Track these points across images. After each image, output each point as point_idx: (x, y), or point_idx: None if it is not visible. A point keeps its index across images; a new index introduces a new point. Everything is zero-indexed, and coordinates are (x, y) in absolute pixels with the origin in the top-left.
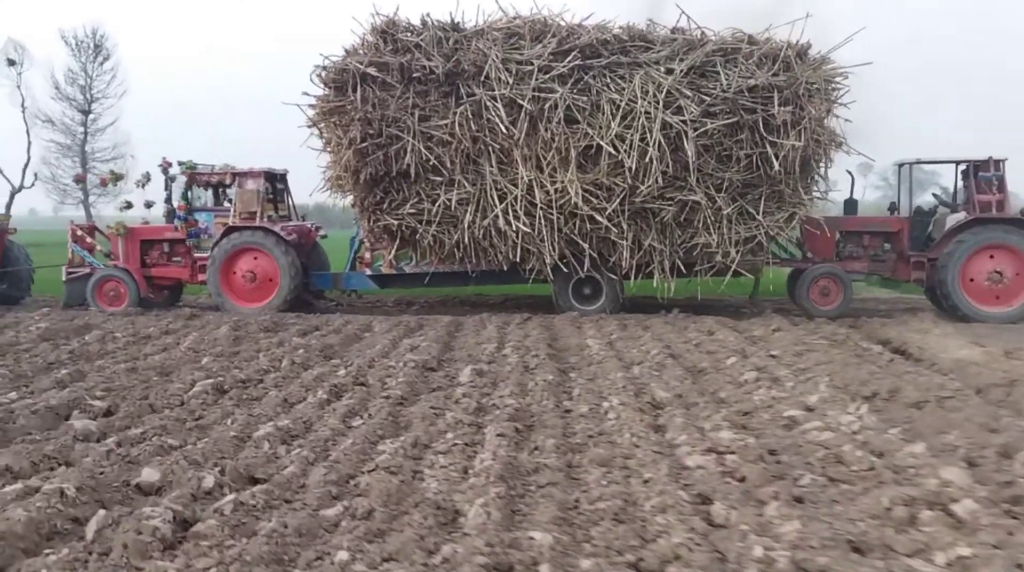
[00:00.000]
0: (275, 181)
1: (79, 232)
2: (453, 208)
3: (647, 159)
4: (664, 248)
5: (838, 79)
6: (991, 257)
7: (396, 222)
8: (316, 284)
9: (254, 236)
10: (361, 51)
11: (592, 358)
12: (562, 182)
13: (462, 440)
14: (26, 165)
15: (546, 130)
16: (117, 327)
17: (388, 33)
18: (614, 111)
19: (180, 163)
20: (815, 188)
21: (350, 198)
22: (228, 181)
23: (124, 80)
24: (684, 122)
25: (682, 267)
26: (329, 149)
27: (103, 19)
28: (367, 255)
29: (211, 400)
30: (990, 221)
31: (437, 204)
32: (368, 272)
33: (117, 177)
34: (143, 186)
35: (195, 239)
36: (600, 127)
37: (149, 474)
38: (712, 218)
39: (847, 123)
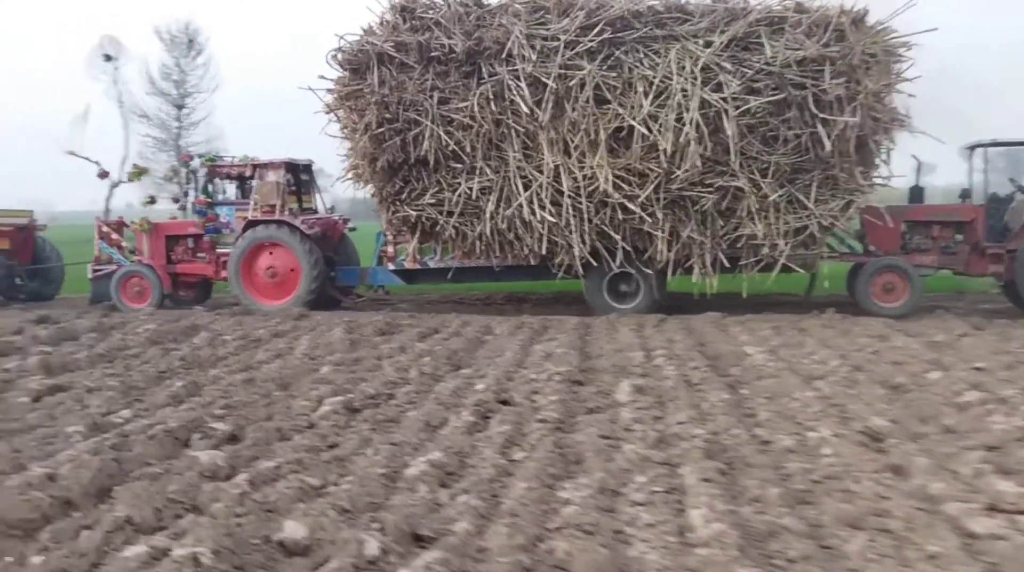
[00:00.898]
0: (298, 172)
1: (105, 228)
2: (475, 197)
3: (683, 141)
4: (705, 240)
5: (900, 50)
6: None
7: (415, 213)
8: (342, 279)
9: (273, 230)
10: (379, 30)
11: (761, 370)
12: (591, 167)
13: (658, 485)
14: (124, 160)
15: (573, 111)
16: (225, 329)
17: (408, 10)
18: (647, 89)
19: (200, 155)
20: (875, 173)
21: (369, 188)
22: (249, 173)
23: (216, 74)
24: (724, 100)
25: (724, 261)
26: (346, 136)
27: (195, 14)
28: (389, 249)
29: (342, 421)
30: None
31: (457, 193)
32: (391, 267)
33: (141, 172)
34: (171, 180)
35: (215, 234)
36: (632, 107)
37: (294, 529)
38: (757, 206)
39: (911, 99)
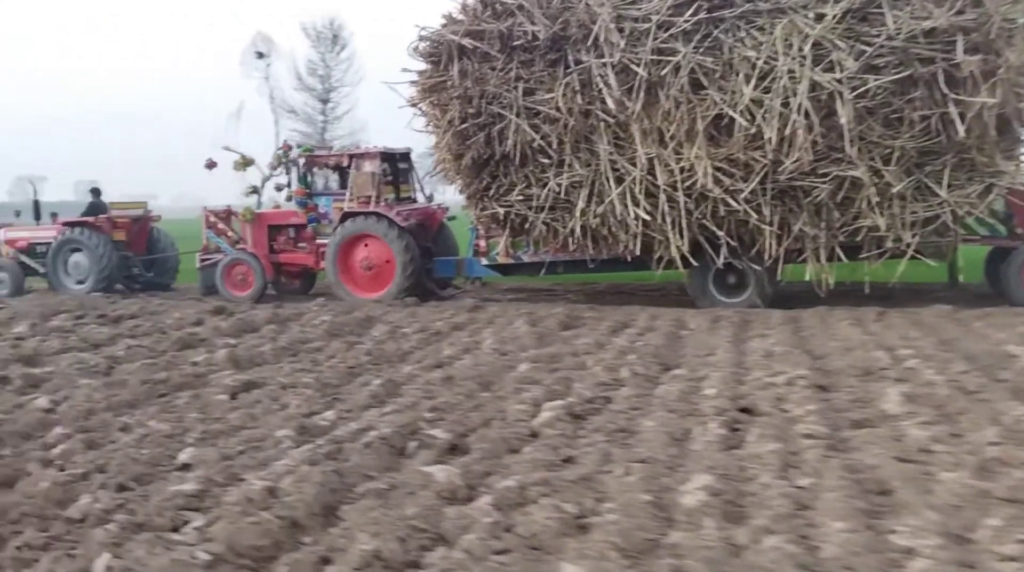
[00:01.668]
0: (395, 161)
1: (212, 218)
2: (564, 194)
3: (791, 128)
4: (819, 233)
5: None
6: None
7: (503, 210)
8: (438, 271)
9: (368, 222)
10: (460, 18)
11: None
12: (688, 159)
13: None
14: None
15: (667, 99)
16: (401, 321)
17: None
18: (750, 72)
19: (299, 146)
20: (1020, 152)
21: (457, 184)
22: (345, 163)
23: (360, 68)
24: (839, 81)
25: (841, 254)
26: (431, 131)
27: (339, 9)
28: (482, 243)
29: (569, 430)
30: None
31: (546, 190)
32: (484, 261)
33: (247, 163)
34: (275, 170)
35: (315, 224)
36: (732, 92)
37: None
38: (878, 197)
39: None
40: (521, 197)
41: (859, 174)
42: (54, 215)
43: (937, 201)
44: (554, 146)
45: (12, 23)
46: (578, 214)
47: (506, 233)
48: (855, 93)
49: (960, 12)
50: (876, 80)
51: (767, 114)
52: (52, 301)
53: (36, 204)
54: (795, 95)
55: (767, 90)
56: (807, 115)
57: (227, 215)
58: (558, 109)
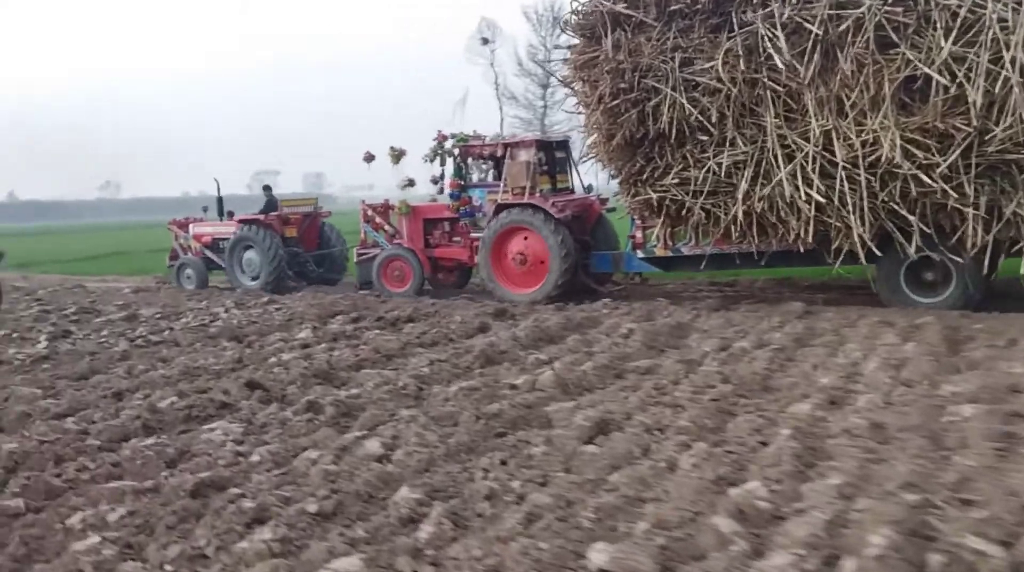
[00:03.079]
0: (552, 150)
1: (369, 212)
2: (724, 174)
3: (1002, 90)
4: None
5: None
6: None
7: (658, 195)
8: (595, 266)
9: (522, 214)
10: None
11: None
12: (873, 131)
13: None
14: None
15: (847, 61)
16: (717, 329)
17: None
18: (949, 23)
19: (453, 135)
20: None
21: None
22: (500, 153)
23: None
24: None
25: None
26: (582, 111)
27: None
28: (638, 234)
29: None
30: None
31: (705, 170)
32: (640, 254)
33: (399, 154)
34: (431, 161)
35: (469, 218)
36: (929, 49)
37: None
38: None
39: None
40: (677, 180)
41: None
42: (231, 213)
43: None
44: (714, 121)
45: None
46: (740, 197)
47: (661, 222)
48: None
49: None
50: None
51: (971, 73)
52: (325, 301)
53: (220, 201)
54: (1007, 49)
55: (972, 43)
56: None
57: (384, 209)
58: (719, 79)
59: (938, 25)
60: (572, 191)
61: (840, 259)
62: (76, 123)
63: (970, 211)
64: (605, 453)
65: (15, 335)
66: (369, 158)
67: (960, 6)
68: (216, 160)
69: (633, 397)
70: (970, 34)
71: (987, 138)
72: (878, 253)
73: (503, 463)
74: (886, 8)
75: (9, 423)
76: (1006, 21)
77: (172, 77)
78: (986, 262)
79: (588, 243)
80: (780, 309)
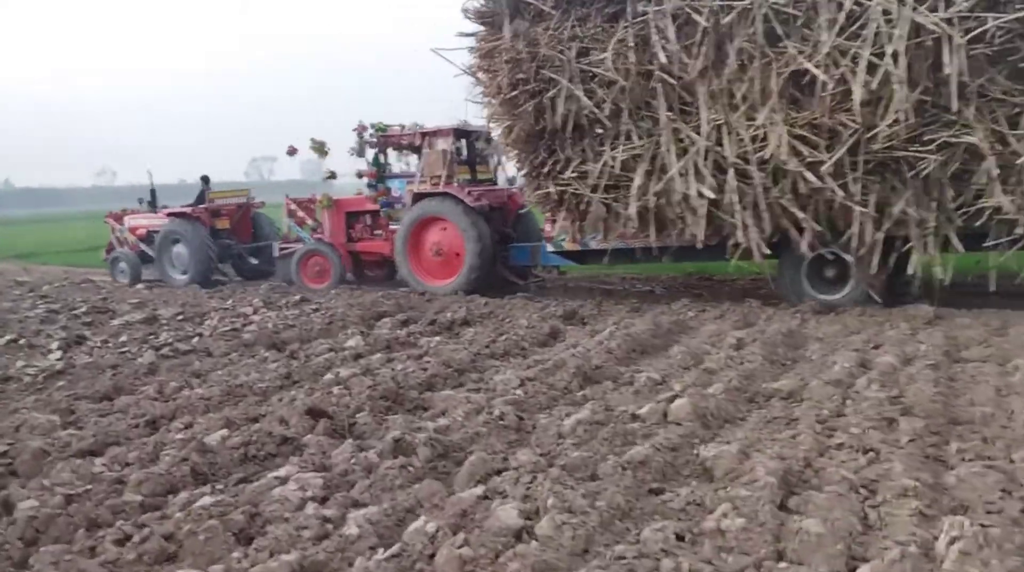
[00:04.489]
0: (472, 140)
1: (292, 206)
2: (621, 169)
3: (886, 85)
4: (928, 215)
5: None
6: None
7: (559, 189)
8: (514, 258)
9: (437, 204)
10: None
11: None
12: (762, 127)
13: None
14: None
15: (735, 53)
16: (835, 338)
17: None
18: (834, 15)
19: (372, 126)
20: None
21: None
22: (418, 142)
23: None
24: (948, 22)
25: (957, 243)
26: (484, 101)
27: None
28: (547, 228)
29: None
30: None
31: (600, 164)
32: (550, 248)
33: (321, 146)
34: (357, 154)
35: (387, 208)
36: (816, 42)
37: None
38: (1000, 169)
39: None
40: (576, 174)
41: (976, 141)
42: (164, 206)
43: None
44: (607, 114)
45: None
46: (635, 193)
47: (562, 216)
48: (968, 36)
49: None
50: (996, 20)
51: (854, 67)
52: (365, 300)
53: (153, 193)
54: (890, 41)
55: (856, 37)
56: (909, 66)
57: (308, 203)
58: (615, 70)
59: (824, 17)
60: (494, 182)
61: (737, 255)
62: (73, 112)
63: (858, 209)
64: (817, 526)
65: (22, 341)
66: (292, 151)
67: None
68: (214, 148)
69: (800, 435)
70: (856, 26)
71: (874, 136)
72: (767, 251)
73: (679, 538)
74: (772, 1)
75: (24, 464)
76: (890, 14)
77: (172, 76)
78: (875, 260)
79: (509, 235)
80: (904, 313)
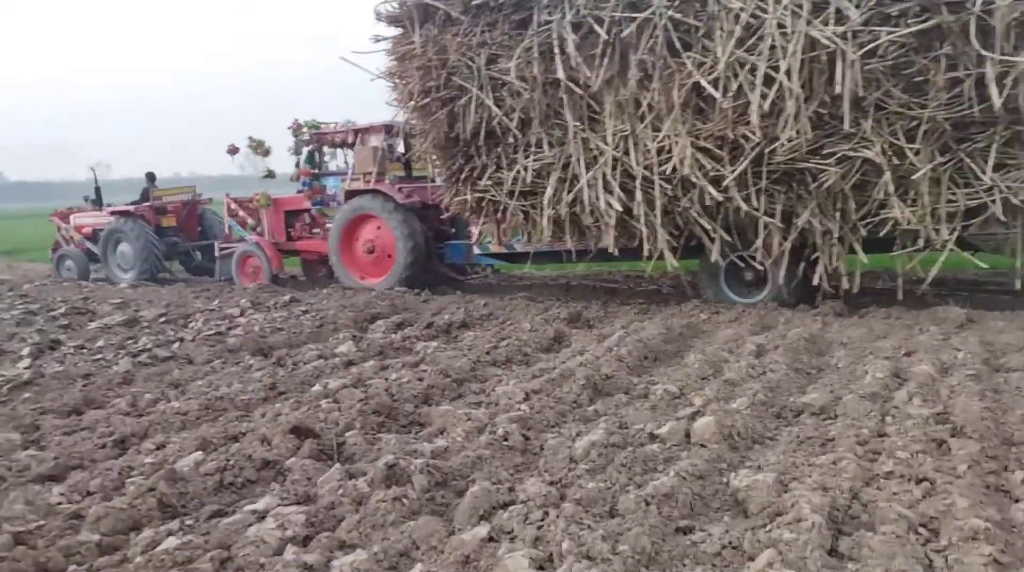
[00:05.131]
0: (408, 136)
1: (233, 205)
2: (535, 177)
3: (785, 97)
4: (831, 226)
5: None
6: None
7: (476, 196)
8: (450, 255)
9: (367, 201)
10: None
11: None
12: (666, 138)
13: None
14: None
15: (638, 65)
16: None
17: None
18: (732, 27)
19: (306, 123)
20: None
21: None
22: (351, 139)
23: None
24: (842, 36)
25: (861, 253)
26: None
27: None
28: (473, 230)
29: None
30: None
31: (512, 173)
32: (477, 250)
33: (259, 144)
34: (295, 153)
35: (320, 207)
36: (714, 54)
37: None
38: (900, 182)
39: None
40: (491, 181)
41: (872, 155)
42: (108, 203)
43: (983, 186)
44: (515, 123)
45: None
46: (547, 202)
47: (482, 222)
48: (862, 51)
49: None
50: (889, 35)
51: (751, 81)
52: (358, 301)
53: (97, 190)
54: (786, 55)
55: (755, 50)
56: (807, 81)
57: (249, 202)
58: (523, 79)
59: (724, 30)
60: (433, 179)
61: (654, 259)
62: (72, 109)
63: (763, 220)
64: None
65: None
66: (233, 150)
67: (743, 10)
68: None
69: (842, 460)
70: (753, 39)
71: (776, 148)
72: (675, 263)
73: None
74: (672, 7)
75: None
76: (785, 27)
77: (172, 75)
78: (783, 268)
79: (446, 232)
80: (933, 316)
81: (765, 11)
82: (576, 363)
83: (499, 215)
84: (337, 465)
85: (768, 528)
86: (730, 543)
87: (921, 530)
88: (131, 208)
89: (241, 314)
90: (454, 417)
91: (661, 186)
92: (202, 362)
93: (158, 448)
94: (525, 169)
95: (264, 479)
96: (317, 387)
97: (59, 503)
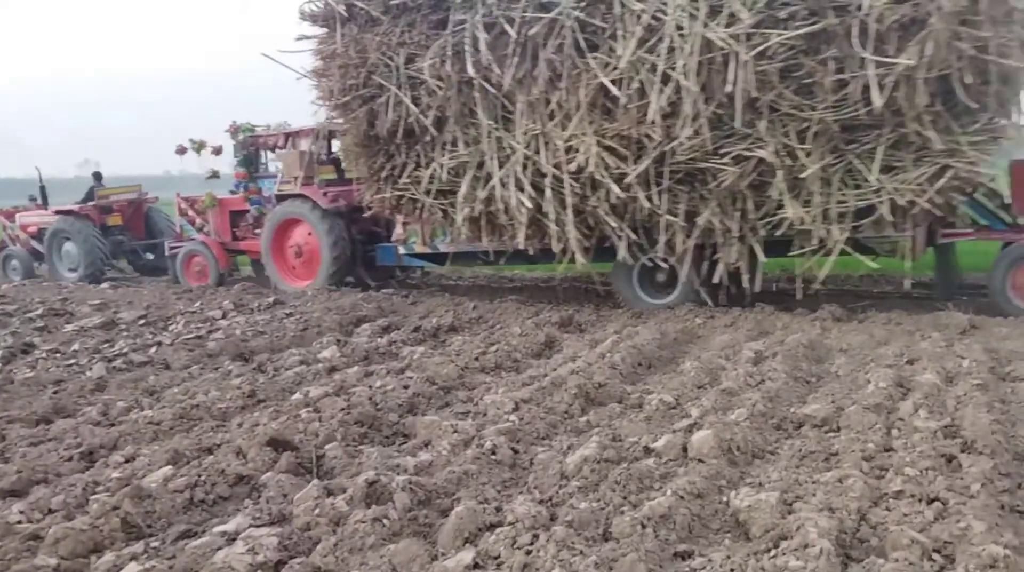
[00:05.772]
0: (330, 137)
1: (183, 205)
2: (452, 175)
3: (673, 98)
4: (731, 225)
5: None
6: None
7: (396, 194)
8: (381, 258)
9: (294, 205)
10: None
11: None
12: (573, 137)
13: None
14: None
15: (547, 65)
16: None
17: None
18: (635, 28)
19: (241, 127)
20: (993, 120)
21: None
22: (282, 143)
23: None
24: (736, 38)
25: (759, 252)
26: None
27: None
28: (398, 230)
29: None
30: None
31: (428, 172)
32: (402, 250)
33: (200, 145)
34: (234, 155)
35: (258, 206)
36: (618, 55)
37: None
38: (788, 182)
39: None
40: (410, 179)
41: (766, 155)
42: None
43: (872, 187)
44: (430, 122)
45: None
46: (461, 200)
47: (402, 221)
48: (754, 52)
49: None
50: (779, 37)
51: (651, 81)
52: (344, 303)
53: (42, 189)
54: (683, 55)
55: (652, 50)
56: (708, 80)
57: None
58: (439, 78)
59: (627, 31)
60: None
61: (565, 260)
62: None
63: (664, 219)
64: None
65: None
66: (181, 151)
67: (644, 11)
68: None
69: (848, 478)
70: (652, 41)
71: (677, 148)
72: (583, 260)
73: None
74: (579, 13)
75: None
76: (682, 29)
77: (170, 75)
78: (687, 267)
79: (378, 234)
80: (935, 321)
81: (665, 13)
82: (568, 370)
83: (418, 214)
84: (315, 481)
85: (773, 554)
86: (732, 570)
87: (935, 556)
88: (76, 207)
89: (223, 317)
90: (440, 429)
91: (570, 185)
92: (180, 367)
93: (127, 461)
94: (441, 167)
95: (237, 496)
96: (298, 395)
97: (18, 521)
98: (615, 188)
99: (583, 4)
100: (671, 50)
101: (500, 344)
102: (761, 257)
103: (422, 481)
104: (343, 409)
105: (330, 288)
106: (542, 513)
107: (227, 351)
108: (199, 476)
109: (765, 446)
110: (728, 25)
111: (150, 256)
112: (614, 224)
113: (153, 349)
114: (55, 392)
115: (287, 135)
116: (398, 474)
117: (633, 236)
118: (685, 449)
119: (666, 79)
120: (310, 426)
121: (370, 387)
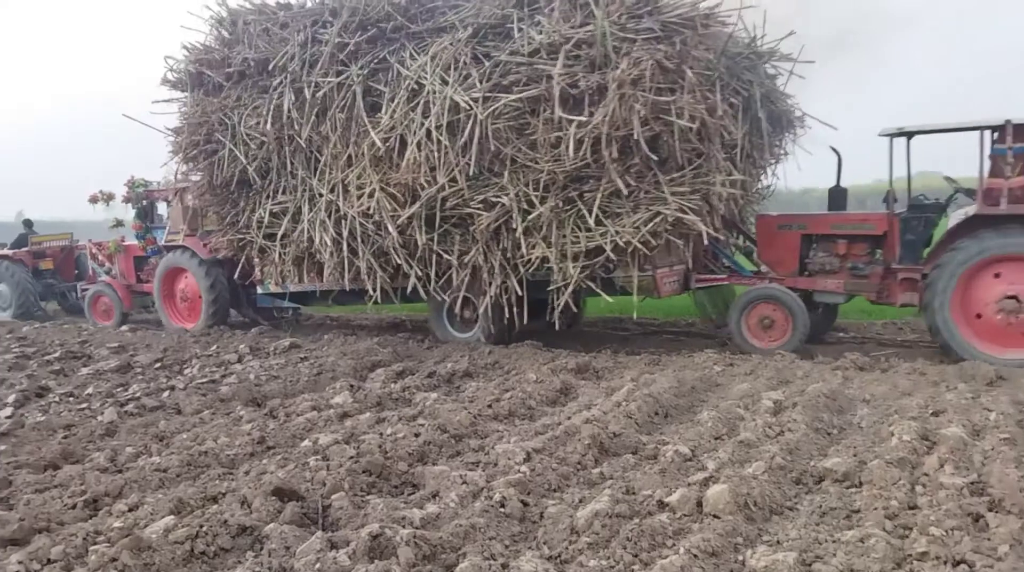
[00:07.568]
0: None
1: (94, 250)
2: (266, 221)
3: (427, 152)
4: (492, 264)
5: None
6: (997, 275)
7: (239, 238)
8: (261, 300)
9: (178, 256)
10: (197, 47)
11: None
12: (367, 185)
13: None
14: None
15: (338, 121)
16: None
17: (225, 23)
18: (406, 92)
19: (136, 182)
20: (712, 173)
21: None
22: (171, 197)
23: None
24: (476, 100)
25: (515, 288)
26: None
27: None
28: (256, 272)
29: None
30: (1000, 220)
31: (256, 217)
32: (260, 290)
33: (108, 197)
34: (132, 206)
35: (156, 255)
36: (392, 115)
37: None
38: (523, 225)
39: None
40: (244, 225)
41: (506, 201)
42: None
43: (600, 230)
44: (254, 173)
45: None
46: (279, 240)
47: (242, 263)
48: (488, 112)
49: (581, 25)
50: (505, 99)
51: (413, 136)
52: (359, 348)
53: None
54: (436, 115)
55: (415, 109)
56: (466, 138)
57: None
58: (260, 134)
59: (399, 94)
60: None
61: (374, 298)
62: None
63: (444, 258)
64: None
65: None
66: (94, 199)
67: (409, 78)
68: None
69: (870, 538)
70: (415, 102)
71: (437, 193)
72: (376, 296)
73: None
74: (364, 73)
75: None
76: (436, 92)
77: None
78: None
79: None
80: (960, 372)
81: (425, 80)
82: (582, 419)
83: (257, 256)
84: (319, 533)
85: None
86: None
87: None
88: (9, 253)
89: (239, 360)
90: (448, 480)
91: (362, 225)
92: (191, 412)
93: (131, 509)
94: (266, 212)
95: (239, 547)
96: (307, 442)
97: None
98: (390, 227)
99: (366, 72)
100: (427, 110)
101: (515, 390)
102: (518, 291)
103: (428, 535)
104: (352, 457)
105: (208, 328)
106: (550, 571)
107: (239, 396)
108: (201, 526)
109: (784, 501)
110: (468, 89)
111: (78, 297)
112: (400, 261)
113: (166, 393)
114: (64, 437)
115: (176, 191)
116: (403, 527)
117: (419, 273)
118: (700, 504)
119: (429, 134)
120: (317, 475)
121: (381, 434)
